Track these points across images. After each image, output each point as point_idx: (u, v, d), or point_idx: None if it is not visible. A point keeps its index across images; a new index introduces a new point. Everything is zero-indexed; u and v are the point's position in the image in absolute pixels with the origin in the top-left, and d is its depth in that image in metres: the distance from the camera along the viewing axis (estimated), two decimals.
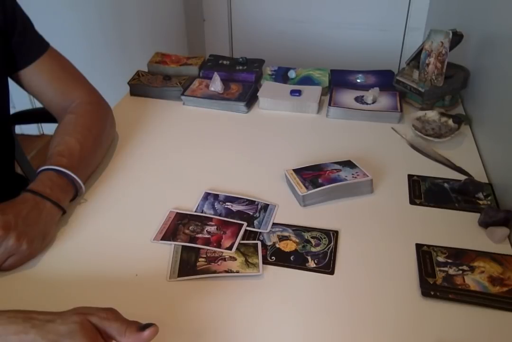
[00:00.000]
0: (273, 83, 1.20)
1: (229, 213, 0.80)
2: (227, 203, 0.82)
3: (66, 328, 0.49)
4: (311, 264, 0.70)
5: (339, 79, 1.23)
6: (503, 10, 1.00)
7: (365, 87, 1.16)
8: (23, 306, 0.54)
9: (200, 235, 0.75)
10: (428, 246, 0.73)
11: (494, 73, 1.01)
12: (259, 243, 0.73)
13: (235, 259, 0.70)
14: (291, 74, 1.24)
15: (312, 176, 0.85)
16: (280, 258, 0.71)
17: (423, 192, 0.85)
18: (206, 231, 0.76)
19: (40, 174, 0.77)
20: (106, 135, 0.94)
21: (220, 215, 0.79)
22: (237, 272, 0.68)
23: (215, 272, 0.68)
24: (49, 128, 2.51)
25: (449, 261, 0.70)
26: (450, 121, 1.04)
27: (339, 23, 2.20)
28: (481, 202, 0.83)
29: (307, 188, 0.82)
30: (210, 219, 0.78)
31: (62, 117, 0.89)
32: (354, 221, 0.79)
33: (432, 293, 0.65)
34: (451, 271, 0.68)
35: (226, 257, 0.71)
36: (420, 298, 0.65)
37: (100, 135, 0.91)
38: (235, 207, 0.81)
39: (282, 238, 0.75)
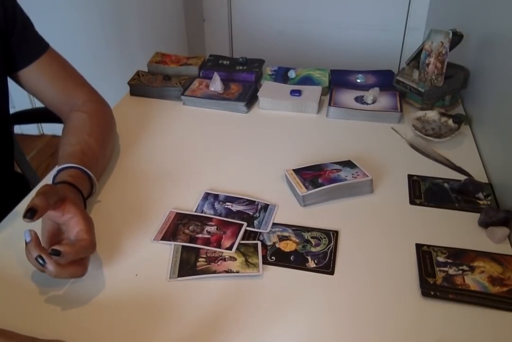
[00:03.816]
0: (273, 83, 1.20)
1: (229, 213, 0.80)
2: (227, 203, 0.82)
3: None
4: (311, 264, 0.70)
5: (339, 79, 1.23)
6: (503, 10, 1.00)
7: (365, 87, 1.16)
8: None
9: (200, 235, 0.75)
10: (428, 246, 0.73)
11: (494, 73, 1.01)
12: (259, 243, 0.73)
13: (235, 259, 0.70)
14: (291, 74, 1.24)
15: (312, 176, 0.85)
16: (280, 258, 0.71)
17: (423, 192, 0.85)
18: (206, 231, 0.76)
19: (68, 170, 0.76)
20: (114, 135, 0.96)
21: (220, 215, 0.79)
22: (237, 272, 0.68)
23: (215, 272, 0.68)
24: (49, 128, 2.52)
25: (449, 261, 0.70)
26: (450, 121, 1.04)
27: (339, 23, 2.20)
28: (481, 202, 0.83)
29: (307, 188, 0.82)
30: (210, 219, 0.78)
31: (67, 115, 0.89)
32: (354, 221, 0.79)
33: (432, 293, 0.65)
34: (451, 271, 0.68)
35: (226, 257, 0.71)
36: (420, 298, 0.65)
37: (111, 135, 0.93)
38: (235, 207, 0.81)
39: (282, 238, 0.75)
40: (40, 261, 0.60)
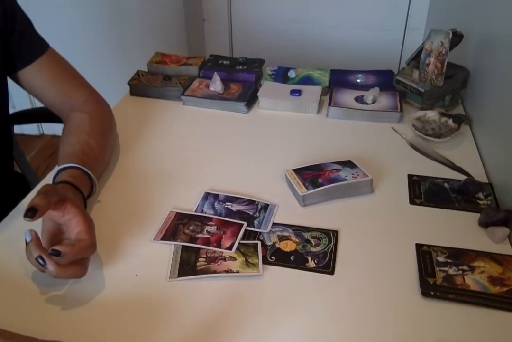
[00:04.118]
0: (273, 83, 1.20)
1: (229, 213, 0.80)
2: (227, 203, 0.82)
3: None
4: (311, 264, 0.70)
5: (339, 79, 1.23)
6: (503, 10, 1.00)
7: (365, 87, 1.16)
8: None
9: (200, 235, 0.75)
10: (428, 246, 0.73)
11: (494, 73, 1.01)
12: (259, 243, 0.73)
13: (235, 259, 0.70)
14: (291, 74, 1.24)
15: (312, 175, 0.85)
16: (280, 258, 0.71)
17: (423, 192, 0.85)
18: (206, 231, 0.76)
19: (68, 170, 0.76)
20: (114, 135, 0.96)
21: (220, 215, 0.79)
22: (237, 272, 0.68)
23: (215, 272, 0.68)
24: (49, 128, 2.52)
25: (449, 261, 0.70)
26: (450, 121, 1.04)
27: (339, 23, 2.20)
28: (481, 202, 0.83)
29: (307, 188, 0.82)
30: (210, 219, 0.78)
31: (67, 115, 0.89)
32: (354, 221, 0.79)
33: (432, 293, 0.65)
34: (451, 271, 0.68)
35: (226, 257, 0.71)
36: (420, 298, 0.65)
37: (111, 135, 0.93)
38: (235, 207, 0.81)
39: (282, 238, 0.75)
40: (41, 261, 0.60)
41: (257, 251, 0.72)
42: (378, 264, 0.71)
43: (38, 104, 0.97)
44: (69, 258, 0.61)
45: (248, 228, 0.76)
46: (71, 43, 2.10)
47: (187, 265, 0.69)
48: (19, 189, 0.95)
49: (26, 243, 0.62)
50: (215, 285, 0.67)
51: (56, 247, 0.60)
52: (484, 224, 0.77)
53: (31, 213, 0.60)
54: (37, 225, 0.66)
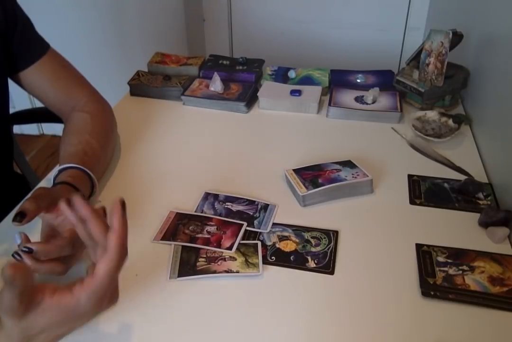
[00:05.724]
0: (273, 83, 1.20)
1: (229, 213, 0.80)
2: (227, 203, 0.82)
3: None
4: (311, 264, 0.70)
5: (339, 79, 1.23)
6: (503, 10, 1.00)
7: (365, 87, 1.16)
8: None
9: (200, 235, 0.75)
10: (428, 246, 0.73)
11: (494, 73, 1.01)
12: (259, 243, 0.73)
13: (235, 259, 0.70)
14: (291, 74, 1.24)
15: (312, 176, 0.85)
16: (280, 258, 0.71)
17: (423, 192, 0.85)
18: (206, 231, 0.76)
19: (68, 170, 0.76)
20: (115, 135, 0.96)
21: (220, 215, 0.79)
22: (237, 272, 0.68)
23: (215, 272, 0.68)
24: (49, 128, 2.52)
25: (449, 261, 0.70)
26: (450, 121, 1.04)
27: (339, 23, 2.19)
28: (481, 202, 0.83)
29: (307, 188, 0.82)
30: (210, 219, 0.78)
31: (69, 115, 0.89)
32: (354, 221, 0.79)
33: (432, 293, 0.65)
34: (451, 271, 0.68)
35: (226, 257, 0.71)
36: (420, 298, 0.65)
37: (112, 136, 0.93)
38: (235, 207, 0.81)
39: (282, 238, 0.75)
40: (17, 256, 0.61)
41: (257, 251, 0.72)
42: (378, 264, 0.71)
43: (38, 104, 0.97)
44: (46, 256, 0.61)
45: (248, 228, 0.76)
46: (71, 43, 2.10)
47: (187, 265, 0.69)
48: (19, 189, 0.95)
49: (18, 245, 0.62)
50: (215, 285, 0.67)
51: (29, 245, 0.61)
52: (484, 224, 0.77)
53: (20, 217, 0.60)
54: (36, 226, 0.66)
